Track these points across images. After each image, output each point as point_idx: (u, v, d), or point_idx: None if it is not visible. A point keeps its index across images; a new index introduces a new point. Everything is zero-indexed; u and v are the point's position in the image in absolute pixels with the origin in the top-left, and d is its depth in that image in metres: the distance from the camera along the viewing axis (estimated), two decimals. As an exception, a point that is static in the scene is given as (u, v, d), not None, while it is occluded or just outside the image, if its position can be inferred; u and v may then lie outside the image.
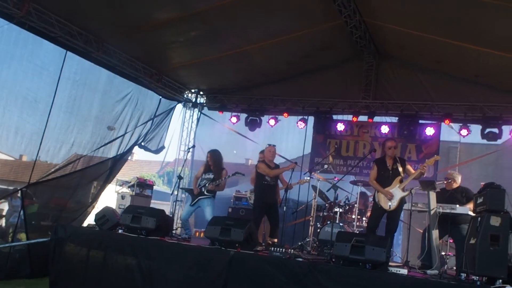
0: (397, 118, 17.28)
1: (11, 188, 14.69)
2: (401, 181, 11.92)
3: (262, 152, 14.51)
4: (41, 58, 13.41)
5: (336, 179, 14.67)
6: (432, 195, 11.09)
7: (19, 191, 13.11)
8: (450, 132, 17.57)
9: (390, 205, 11.80)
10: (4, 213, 15.23)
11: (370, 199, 14.58)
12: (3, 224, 14.88)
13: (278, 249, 10.14)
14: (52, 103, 13.36)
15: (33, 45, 13.19)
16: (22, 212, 13.05)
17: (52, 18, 12.89)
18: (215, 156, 13.98)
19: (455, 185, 12.25)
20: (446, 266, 12.00)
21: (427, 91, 16.74)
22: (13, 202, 14.47)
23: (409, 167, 12.47)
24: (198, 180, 13.86)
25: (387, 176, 12.07)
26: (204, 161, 14.48)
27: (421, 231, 12.40)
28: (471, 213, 10.55)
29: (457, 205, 11.05)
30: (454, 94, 16.37)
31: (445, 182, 12.39)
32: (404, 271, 9.01)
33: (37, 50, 13.36)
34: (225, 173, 13.70)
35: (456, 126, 16.77)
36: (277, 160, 14.33)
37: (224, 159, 14.25)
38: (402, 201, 11.87)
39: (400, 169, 12.05)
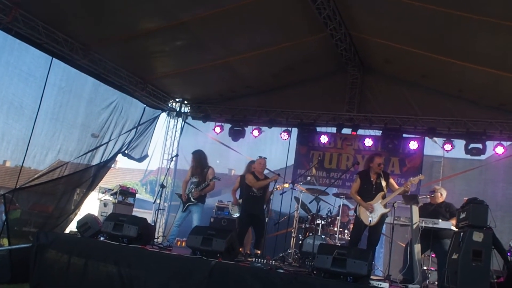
0: (380, 131, 17.26)
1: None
2: (383, 197, 11.91)
3: (253, 162, 14.50)
4: (27, 64, 13.39)
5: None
6: (415, 209, 11.08)
7: (2, 196, 13.06)
8: (434, 146, 17.64)
9: (370, 220, 11.73)
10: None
11: (352, 212, 14.60)
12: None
13: (259, 260, 10.15)
14: (38, 109, 13.34)
15: (19, 51, 13.16)
16: (4, 217, 12.99)
17: (38, 25, 12.85)
18: (197, 156, 13.95)
19: (440, 199, 12.27)
20: (428, 280, 12.07)
21: (411, 105, 16.77)
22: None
23: (392, 181, 12.48)
24: (187, 184, 13.79)
25: (370, 190, 12.04)
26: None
27: (403, 245, 12.42)
28: (453, 228, 10.58)
29: (440, 220, 11.07)
30: (438, 109, 16.42)
31: (430, 196, 12.40)
32: (385, 285, 9.00)
33: (23, 56, 13.33)
34: (211, 172, 13.65)
35: (440, 140, 16.83)
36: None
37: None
38: (383, 217, 11.83)
39: (384, 183, 12.04)
